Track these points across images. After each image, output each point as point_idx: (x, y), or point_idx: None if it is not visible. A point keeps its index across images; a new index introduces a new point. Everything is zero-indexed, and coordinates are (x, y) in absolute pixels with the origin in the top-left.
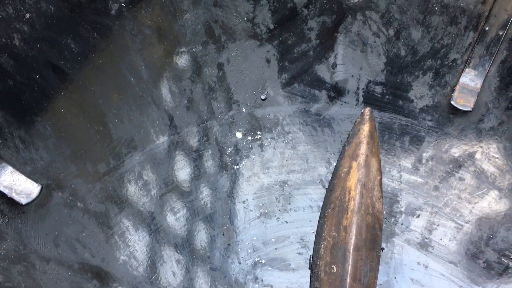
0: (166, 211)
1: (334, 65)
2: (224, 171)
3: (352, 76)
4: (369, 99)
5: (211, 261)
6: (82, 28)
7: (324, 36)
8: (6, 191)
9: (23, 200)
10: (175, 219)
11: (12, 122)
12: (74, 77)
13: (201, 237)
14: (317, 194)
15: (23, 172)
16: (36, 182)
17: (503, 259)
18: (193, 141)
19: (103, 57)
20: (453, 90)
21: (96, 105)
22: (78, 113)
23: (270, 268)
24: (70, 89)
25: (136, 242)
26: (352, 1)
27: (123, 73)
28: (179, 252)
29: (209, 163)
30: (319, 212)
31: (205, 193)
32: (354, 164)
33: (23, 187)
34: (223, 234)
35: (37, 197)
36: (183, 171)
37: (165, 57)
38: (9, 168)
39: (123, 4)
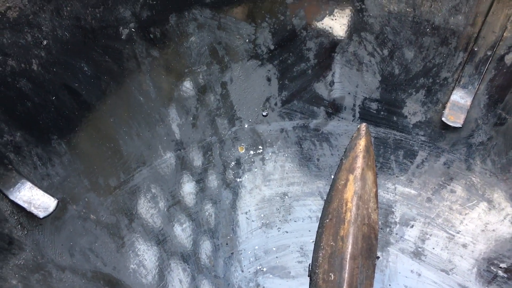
0: (173, 222)
1: (332, 83)
2: (228, 184)
3: (349, 93)
4: (365, 115)
5: (215, 270)
6: (94, 52)
7: (322, 56)
8: (25, 205)
9: (41, 214)
10: (181, 229)
11: (30, 140)
12: (87, 98)
13: (206, 246)
14: (316, 205)
15: (40, 187)
16: (53, 196)
17: (492, 268)
18: (198, 156)
19: (114, 79)
20: (444, 107)
21: (107, 123)
22: (91, 131)
23: (271, 275)
24: (83, 109)
25: (145, 252)
26: (337, 37)
27: (133, 93)
28: (185, 261)
29: (213, 177)
30: (318, 223)
31: (209, 205)
32: (351, 177)
33: (41, 202)
34: (226, 244)
35: (54, 210)
36: (188, 185)
37: (172, 78)
38: (28, 184)
39: (132, 30)
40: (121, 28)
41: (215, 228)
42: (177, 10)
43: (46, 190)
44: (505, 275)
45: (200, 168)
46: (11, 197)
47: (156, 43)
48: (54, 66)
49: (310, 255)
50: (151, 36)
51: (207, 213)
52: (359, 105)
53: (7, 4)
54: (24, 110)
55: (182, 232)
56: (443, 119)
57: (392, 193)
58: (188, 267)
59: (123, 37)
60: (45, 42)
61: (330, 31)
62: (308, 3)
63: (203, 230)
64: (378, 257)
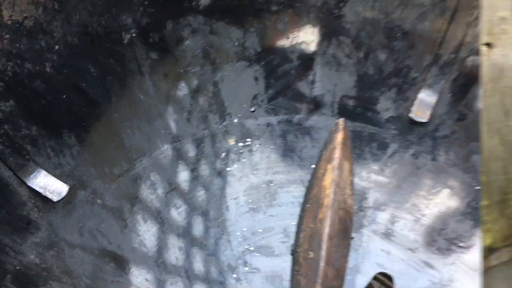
0: (170, 207)
1: (313, 82)
2: (219, 173)
3: (328, 91)
4: (343, 111)
5: (207, 248)
6: (100, 56)
7: (304, 57)
8: (41, 190)
9: (55, 198)
10: (177, 213)
11: (44, 134)
12: (94, 96)
13: (199, 228)
14: (298, 192)
15: (54, 175)
16: (65, 183)
17: (452, 246)
18: (192, 148)
19: (117, 79)
20: (413, 104)
21: (111, 119)
22: (97, 125)
23: (257, 254)
24: (90, 106)
25: (145, 232)
26: (310, 51)
27: (134, 91)
28: (180, 240)
29: (206, 166)
30: (300, 207)
31: (202, 191)
32: (330, 166)
33: (54, 187)
34: (217, 226)
35: (66, 195)
36: (184, 173)
37: (169, 78)
38: (43, 172)
39: (134, 35)
40: (123, 33)
41: (207, 212)
42: (173, 17)
43: (59, 177)
44: (463, 252)
45: (194, 158)
46: (29, 184)
47: (155, 46)
48: (64, 68)
49: (293, 236)
50: (151, 40)
51: (200, 199)
52: (337, 102)
53: (24, 15)
54: (39, 107)
55: (178, 215)
56: (410, 115)
57: (366, 181)
58: (183, 246)
59: (125, 41)
60: (57, 47)
61: (312, 35)
62: (292, 10)
63: (196, 214)
64: (352, 238)
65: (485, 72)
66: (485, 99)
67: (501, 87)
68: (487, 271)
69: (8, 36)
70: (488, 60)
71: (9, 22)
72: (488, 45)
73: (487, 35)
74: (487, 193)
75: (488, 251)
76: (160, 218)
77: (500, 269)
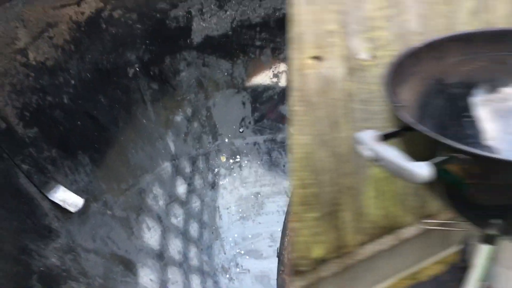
0: (170, 216)
1: None
2: (212, 186)
3: None
4: None
5: (203, 252)
6: (109, 88)
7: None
8: (61, 203)
9: (72, 209)
10: (176, 222)
11: (62, 155)
12: (103, 122)
13: (196, 234)
14: (283, 201)
15: (71, 190)
16: (80, 196)
17: None
18: (189, 165)
19: (123, 107)
20: None
21: (118, 141)
22: (106, 147)
23: (247, 257)
24: (100, 131)
25: (148, 239)
26: (278, 86)
27: (138, 117)
28: (180, 245)
29: (201, 181)
30: (284, 215)
31: (198, 203)
32: None
33: (72, 201)
34: (212, 233)
35: (81, 207)
36: (182, 187)
37: (168, 105)
38: (62, 187)
39: (137, 69)
40: (128, 68)
41: (203, 220)
42: (171, 53)
43: (75, 192)
44: None
45: (190, 173)
46: (50, 198)
47: (155, 78)
48: (79, 99)
49: (278, 240)
50: (151, 73)
51: (196, 209)
52: None
53: (46, 56)
54: (58, 133)
55: (177, 223)
56: None
57: None
58: (182, 250)
59: (130, 75)
60: (73, 82)
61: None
62: (273, 45)
63: (193, 222)
64: None
65: (314, 85)
66: (313, 112)
67: (329, 99)
68: (318, 283)
69: (33, 74)
70: (317, 74)
71: (34, 63)
72: (317, 58)
73: (315, 49)
74: (318, 205)
75: (319, 263)
76: (162, 226)
77: (330, 281)
